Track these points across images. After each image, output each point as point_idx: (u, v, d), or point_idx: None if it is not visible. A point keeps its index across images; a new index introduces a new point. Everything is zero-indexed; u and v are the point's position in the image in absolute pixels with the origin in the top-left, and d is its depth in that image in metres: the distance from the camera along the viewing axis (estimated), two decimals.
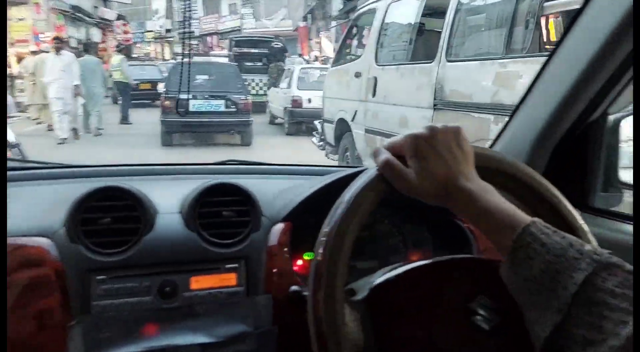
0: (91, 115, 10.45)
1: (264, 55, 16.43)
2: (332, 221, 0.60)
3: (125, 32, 28.08)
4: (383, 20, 5.38)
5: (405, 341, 0.65)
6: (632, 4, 0.84)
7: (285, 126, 11.58)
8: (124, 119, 12.10)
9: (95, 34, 24.00)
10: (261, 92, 14.72)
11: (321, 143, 7.13)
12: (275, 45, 16.62)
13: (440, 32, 4.30)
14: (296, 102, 11.10)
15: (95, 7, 25.19)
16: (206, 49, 31.20)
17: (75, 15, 21.56)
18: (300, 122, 11.16)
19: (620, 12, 0.87)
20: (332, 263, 0.59)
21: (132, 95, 13.09)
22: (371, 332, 0.64)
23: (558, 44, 1.03)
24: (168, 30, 38.84)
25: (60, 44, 9.57)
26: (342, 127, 6.15)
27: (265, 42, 16.95)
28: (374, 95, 5.29)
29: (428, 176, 0.60)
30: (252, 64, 15.85)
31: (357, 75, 5.68)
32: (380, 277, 0.68)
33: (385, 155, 0.62)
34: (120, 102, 12.67)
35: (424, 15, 4.77)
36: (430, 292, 0.67)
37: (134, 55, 24.26)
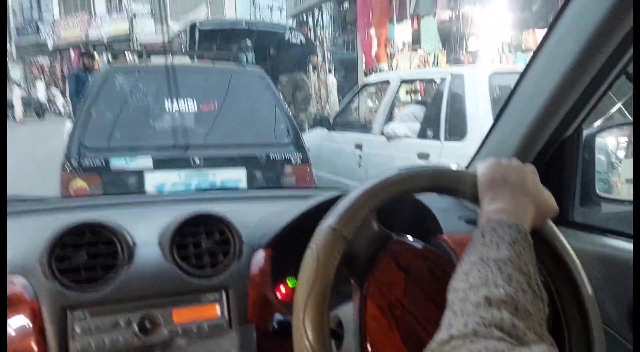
0: None
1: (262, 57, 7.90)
2: (314, 249, 0.60)
3: None
4: None
5: None
6: (602, 21, 0.86)
7: None
8: None
9: None
10: None
11: None
12: (293, 40, 7.93)
13: None
14: None
15: None
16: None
17: None
18: None
19: (591, 28, 0.88)
20: (317, 290, 0.58)
21: None
22: None
23: (529, 64, 1.04)
24: None
25: None
26: None
27: (267, 34, 8.18)
28: None
29: None
30: None
31: None
32: None
33: None
34: None
35: None
36: None
37: None
